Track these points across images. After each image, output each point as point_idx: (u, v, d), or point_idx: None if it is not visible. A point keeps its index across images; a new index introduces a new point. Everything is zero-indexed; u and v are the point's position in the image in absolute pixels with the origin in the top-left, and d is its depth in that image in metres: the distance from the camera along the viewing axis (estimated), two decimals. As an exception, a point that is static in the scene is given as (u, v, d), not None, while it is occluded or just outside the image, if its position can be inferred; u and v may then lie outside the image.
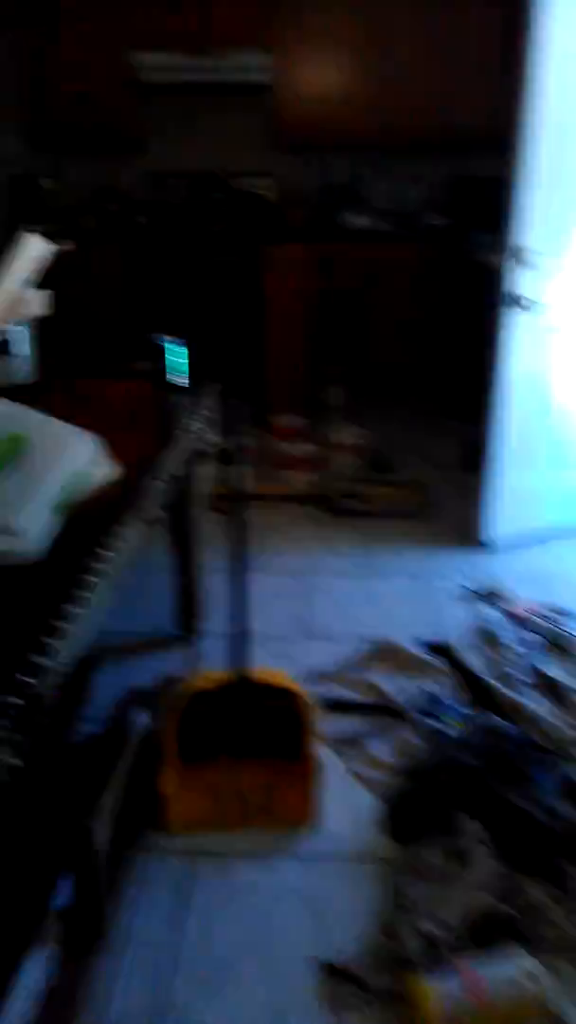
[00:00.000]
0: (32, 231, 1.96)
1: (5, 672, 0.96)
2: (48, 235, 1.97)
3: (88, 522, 1.28)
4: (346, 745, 2.06)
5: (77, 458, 1.23)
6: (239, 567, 1.86)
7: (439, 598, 2.75)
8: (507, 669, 2.33)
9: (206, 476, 2.46)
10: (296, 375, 4.38)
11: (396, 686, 2.27)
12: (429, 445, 4.01)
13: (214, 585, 2.48)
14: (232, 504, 1.88)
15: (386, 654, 2.43)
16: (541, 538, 3.13)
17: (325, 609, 2.69)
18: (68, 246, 1.96)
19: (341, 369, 4.62)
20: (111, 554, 1.28)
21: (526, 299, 2.74)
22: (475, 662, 2.37)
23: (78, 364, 2.21)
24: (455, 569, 2.94)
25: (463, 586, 2.80)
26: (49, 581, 1.13)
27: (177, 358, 1.97)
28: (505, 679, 2.29)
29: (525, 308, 2.75)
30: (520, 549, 3.07)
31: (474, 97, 4.42)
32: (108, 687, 2.14)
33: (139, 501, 1.50)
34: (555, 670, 2.33)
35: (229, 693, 1.84)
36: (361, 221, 4.71)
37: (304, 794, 1.85)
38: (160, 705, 1.94)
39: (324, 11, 4.39)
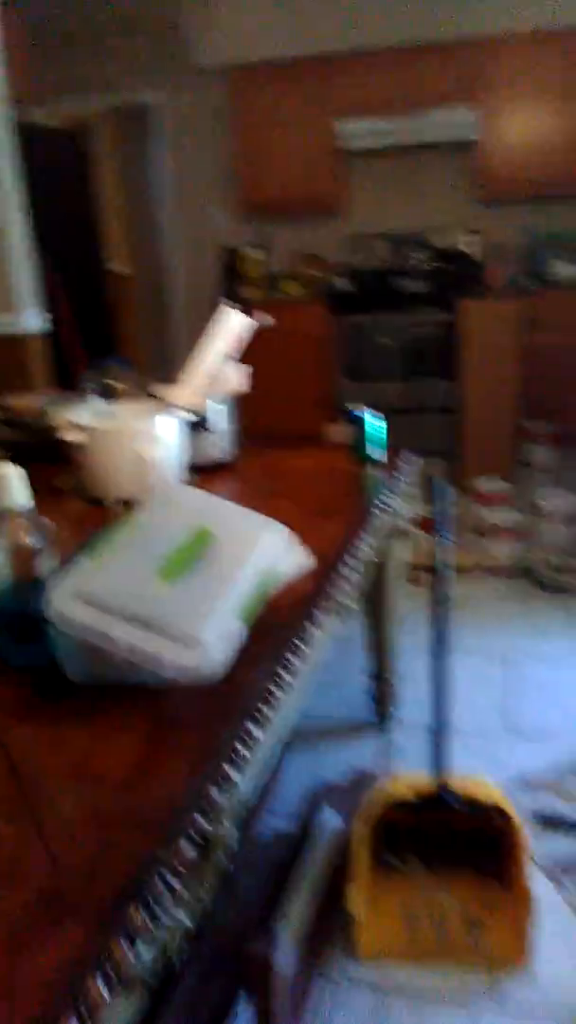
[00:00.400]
0: (232, 305, 1.94)
1: (181, 813, 0.85)
2: (248, 308, 1.95)
3: (276, 624, 1.17)
4: (564, 873, 1.78)
5: (266, 554, 1.12)
6: (440, 654, 1.68)
7: None
8: None
9: (405, 549, 2.31)
10: (499, 435, 4.14)
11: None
12: None
13: (412, 666, 2.30)
14: (433, 581, 1.71)
15: (609, 762, 2.11)
16: None
17: (535, 702, 2.40)
18: (268, 322, 1.92)
19: (551, 429, 4.31)
20: (300, 661, 1.16)
21: None
22: None
23: (276, 435, 2.16)
24: None
25: None
26: (233, 697, 1.02)
27: (374, 430, 1.85)
28: None
29: None
30: None
31: None
32: (295, 776, 2.01)
33: (333, 593, 1.38)
34: None
35: (427, 803, 1.64)
36: (571, 272, 4.42)
37: (513, 929, 1.60)
38: (351, 805, 1.78)
39: (530, 61, 4.24)
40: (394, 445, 1.97)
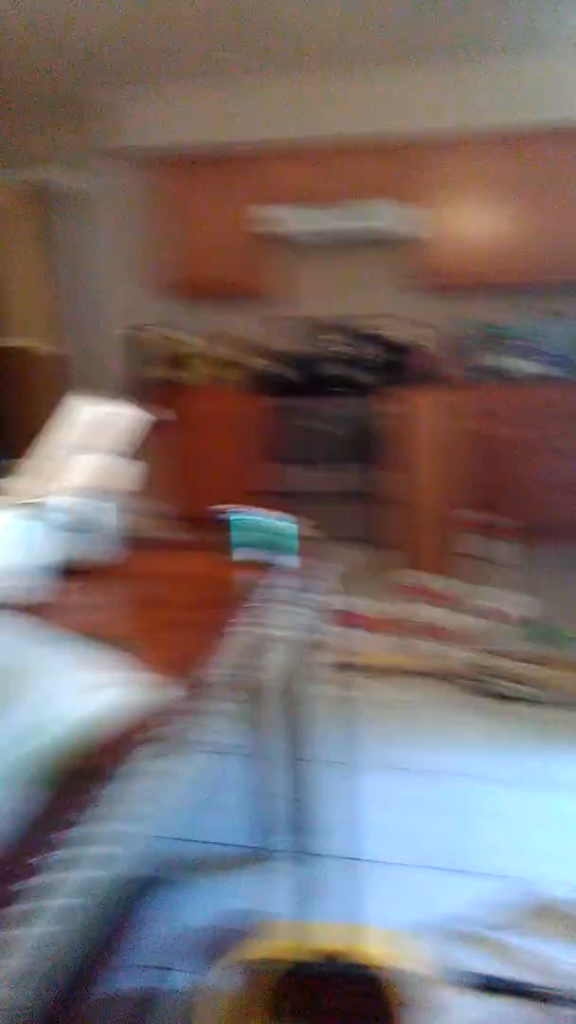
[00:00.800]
0: (131, 397, 1.82)
1: None
2: (152, 399, 1.82)
3: (95, 772, 0.96)
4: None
5: (76, 705, 0.93)
6: (349, 770, 1.45)
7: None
8: None
9: (315, 653, 2.08)
10: (442, 528, 3.96)
11: (570, 960, 1.67)
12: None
13: (329, 785, 2.05)
14: (346, 684, 1.50)
15: (556, 909, 1.83)
16: None
17: (478, 830, 2.13)
18: (167, 416, 1.78)
19: (501, 523, 4.17)
20: (122, 809, 0.94)
21: None
22: None
23: (171, 535, 1.99)
24: None
25: None
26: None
27: (275, 532, 1.69)
28: None
29: None
30: None
31: None
32: (163, 922, 1.71)
33: (190, 720, 1.17)
34: None
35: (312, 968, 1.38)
36: (518, 364, 4.40)
37: None
38: (223, 958, 1.50)
39: (474, 161, 4.33)
40: (322, 536, 1.80)
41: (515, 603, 3.11)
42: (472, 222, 4.41)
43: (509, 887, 1.90)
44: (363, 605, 3.16)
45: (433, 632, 3.04)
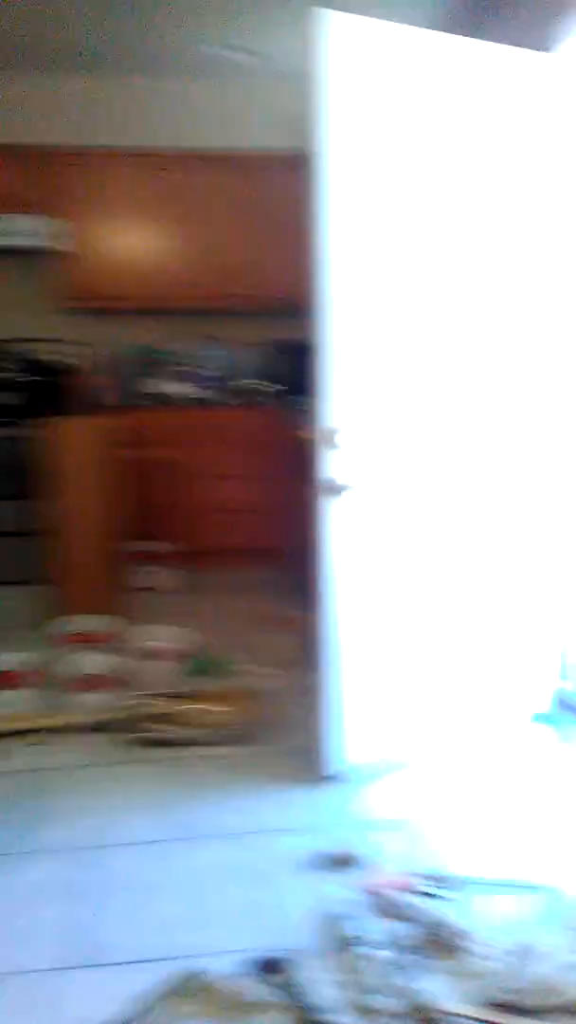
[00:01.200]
0: None
1: None
2: None
3: None
4: None
5: None
6: None
7: (273, 870, 2.00)
8: (366, 991, 1.63)
9: None
10: (106, 564, 3.71)
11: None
12: (268, 638, 3.39)
13: None
14: None
15: (196, 986, 1.66)
16: (402, 766, 2.51)
17: (114, 910, 1.87)
18: None
19: (163, 551, 4.05)
20: None
21: (338, 482, 2.26)
22: (320, 985, 1.65)
23: None
24: (295, 819, 2.22)
25: (306, 848, 2.09)
26: None
27: None
28: (363, 1009, 1.58)
29: (337, 492, 2.27)
30: (379, 782, 2.41)
31: (284, 260, 4.31)
32: None
33: None
34: (435, 984, 1.64)
35: None
36: (176, 388, 4.34)
37: None
38: None
39: (124, 173, 4.21)
40: None
41: (178, 637, 2.95)
42: (122, 241, 4.27)
43: (152, 969, 1.68)
44: (11, 659, 2.77)
45: (91, 681, 2.75)
